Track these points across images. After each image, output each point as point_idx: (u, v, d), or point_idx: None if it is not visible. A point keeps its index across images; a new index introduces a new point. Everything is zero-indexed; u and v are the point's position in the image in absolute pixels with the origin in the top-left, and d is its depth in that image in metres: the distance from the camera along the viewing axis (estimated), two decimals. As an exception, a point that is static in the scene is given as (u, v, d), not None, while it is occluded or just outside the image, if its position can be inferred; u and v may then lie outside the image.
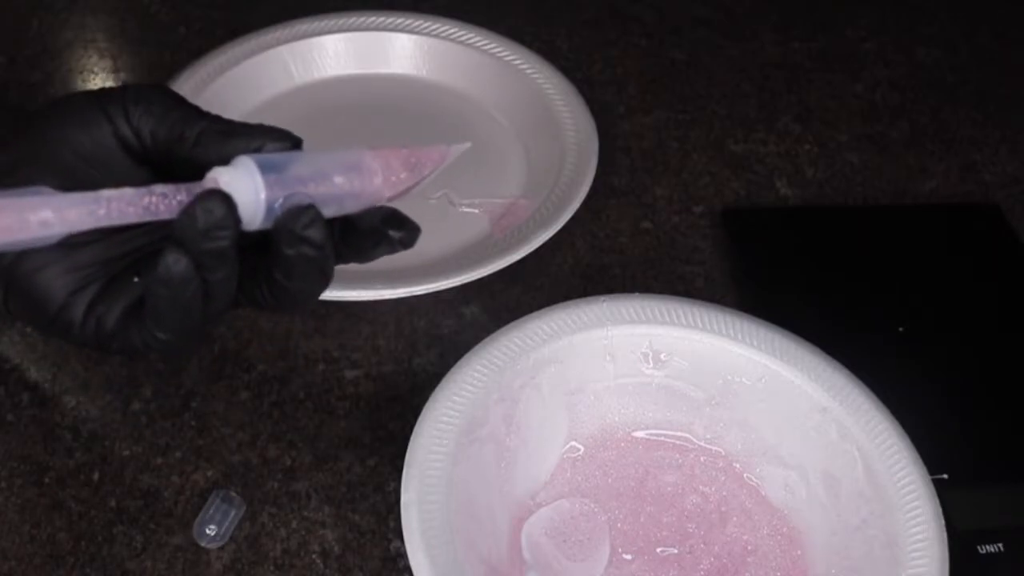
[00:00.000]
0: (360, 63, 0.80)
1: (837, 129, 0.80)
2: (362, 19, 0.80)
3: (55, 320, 0.38)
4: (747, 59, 0.85)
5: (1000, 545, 0.54)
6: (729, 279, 0.67)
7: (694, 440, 0.55)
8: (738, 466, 0.55)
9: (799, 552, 0.52)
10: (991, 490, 0.56)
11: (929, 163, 0.78)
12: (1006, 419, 0.60)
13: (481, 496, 0.50)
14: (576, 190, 0.68)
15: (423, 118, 0.77)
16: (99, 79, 0.80)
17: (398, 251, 0.39)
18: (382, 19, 0.80)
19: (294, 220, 0.35)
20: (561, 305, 0.55)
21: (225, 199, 0.34)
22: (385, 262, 0.40)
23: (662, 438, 0.56)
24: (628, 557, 0.51)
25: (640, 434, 0.56)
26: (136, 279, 0.39)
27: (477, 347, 0.53)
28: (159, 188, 0.33)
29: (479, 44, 0.79)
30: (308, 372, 0.61)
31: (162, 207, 0.33)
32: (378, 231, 0.38)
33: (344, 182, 0.37)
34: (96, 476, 0.55)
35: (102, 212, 0.32)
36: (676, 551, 0.52)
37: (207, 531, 0.53)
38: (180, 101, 0.40)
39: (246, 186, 0.34)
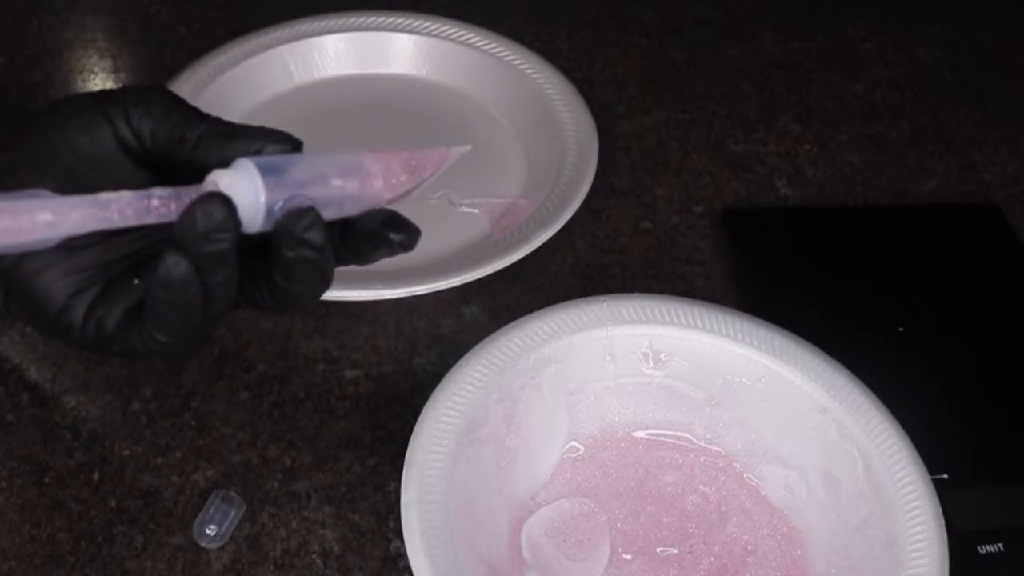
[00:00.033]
0: (360, 63, 0.80)
1: (837, 129, 0.80)
2: (362, 19, 0.80)
3: (55, 322, 0.39)
4: (747, 59, 0.85)
5: (1000, 545, 0.54)
6: (729, 279, 0.67)
7: (694, 440, 0.55)
8: (738, 466, 0.55)
9: (799, 552, 0.52)
10: (991, 490, 0.56)
11: (929, 163, 0.78)
12: (1006, 419, 0.60)
13: (481, 496, 0.50)
14: (576, 190, 0.68)
15: (423, 118, 0.77)
16: (99, 79, 0.80)
17: (398, 254, 0.39)
18: (382, 19, 0.80)
19: (294, 223, 0.35)
20: (561, 305, 0.55)
21: (225, 202, 0.34)
22: (385, 262, 0.40)
23: (662, 438, 0.56)
24: (628, 557, 0.51)
25: (640, 434, 0.56)
26: (136, 281, 0.39)
27: (477, 347, 0.53)
28: (158, 191, 0.33)
29: (479, 44, 0.79)
30: (308, 372, 0.61)
31: (162, 210, 0.33)
32: (378, 233, 0.38)
33: (344, 185, 0.37)
34: (96, 476, 0.55)
35: (102, 215, 0.32)
36: (676, 551, 0.52)
37: (207, 531, 0.53)
38: (180, 103, 0.40)
39: (246, 189, 0.34)
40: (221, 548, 0.52)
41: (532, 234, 0.64)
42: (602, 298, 0.56)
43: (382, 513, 0.55)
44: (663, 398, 0.55)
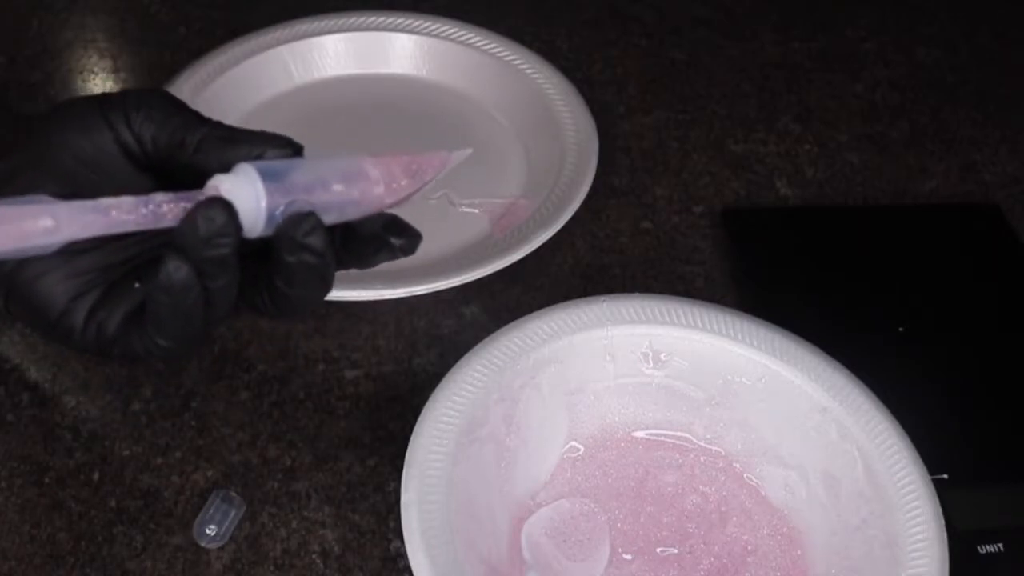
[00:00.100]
0: (360, 63, 0.80)
1: (837, 129, 0.80)
2: (362, 19, 0.80)
3: (56, 326, 0.39)
4: (747, 59, 0.85)
5: (1000, 545, 0.54)
6: (729, 279, 0.68)
7: (694, 440, 0.56)
8: (738, 466, 0.55)
9: (799, 552, 0.52)
10: (991, 490, 0.56)
11: (929, 163, 0.78)
12: (1006, 419, 0.61)
13: (481, 496, 0.50)
14: (576, 190, 0.68)
15: (423, 118, 0.77)
16: (99, 79, 0.80)
17: (399, 258, 0.39)
18: (382, 19, 0.80)
19: (295, 227, 0.35)
20: (561, 305, 0.55)
21: (226, 207, 0.34)
22: (385, 263, 0.40)
23: (662, 438, 0.56)
24: (628, 557, 0.51)
25: (640, 434, 0.56)
26: (137, 285, 0.39)
27: (477, 347, 0.53)
28: (159, 196, 0.33)
29: (479, 44, 0.79)
30: (308, 372, 0.61)
31: (163, 215, 0.33)
32: (379, 238, 0.38)
33: (345, 189, 0.37)
34: (96, 476, 0.55)
35: (103, 220, 0.32)
36: (676, 551, 0.52)
37: (207, 531, 0.53)
38: (181, 107, 0.40)
39: (247, 194, 0.34)
40: (221, 548, 0.53)
41: (532, 234, 0.64)
42: (602, 298, 0.56)
43: (382, 513, 0.55)
44: (663, 398, 0.56)
